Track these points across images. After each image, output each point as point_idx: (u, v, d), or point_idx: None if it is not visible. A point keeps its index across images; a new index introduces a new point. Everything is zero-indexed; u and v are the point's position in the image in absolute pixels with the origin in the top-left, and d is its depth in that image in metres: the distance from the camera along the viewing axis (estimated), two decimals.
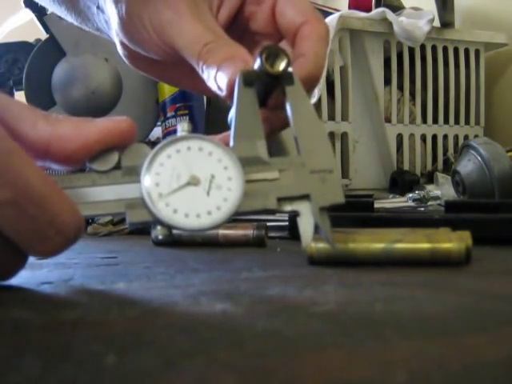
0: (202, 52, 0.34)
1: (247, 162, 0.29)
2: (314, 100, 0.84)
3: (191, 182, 0.28)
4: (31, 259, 0.27)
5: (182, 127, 0.29)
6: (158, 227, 0.27)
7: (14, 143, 0.25)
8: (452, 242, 0.31)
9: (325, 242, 0.31)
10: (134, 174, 0.28)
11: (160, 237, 0.27)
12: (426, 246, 0.31)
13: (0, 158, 0.24)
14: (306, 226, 0.29)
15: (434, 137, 1.00)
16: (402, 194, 0.82)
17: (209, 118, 0.96)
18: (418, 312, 0.21)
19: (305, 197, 0.30)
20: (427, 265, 0.31)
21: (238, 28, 0.39)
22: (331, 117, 0.91)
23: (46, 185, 0.25)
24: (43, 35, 1.04)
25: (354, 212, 0.50)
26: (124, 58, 0.41)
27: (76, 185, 0.27)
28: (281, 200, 0.29)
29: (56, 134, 0.27)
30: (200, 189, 0.28)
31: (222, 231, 0.47)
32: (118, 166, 0.28)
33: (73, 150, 0.27)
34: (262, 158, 0.29)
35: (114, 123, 0.28)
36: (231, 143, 0.30)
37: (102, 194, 0.28)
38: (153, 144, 1.14)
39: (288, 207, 0.29)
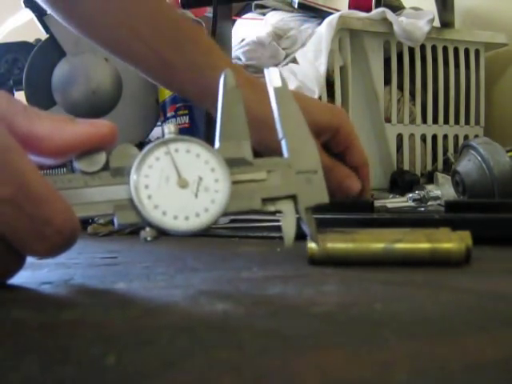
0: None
1: (233, 163, 0.29)
2: None
3: (180, 184, 0.28)
4: (31, 259, 0.27)
5: (169, 129, 0.29)
6: (147, 229, 0.28)
7: (13, 140, 0.25)
8: (452, 241, 0.31)
9: (325, 242, 0.31)
10: (122, 175, 0.28)
11: (148, 238, 0.28)
12: (425, 246, 0.31)
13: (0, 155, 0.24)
14: (288, 225, 0.30)
15: (434, 137, 1.00)
16: (402, 194, 0.82)
17: (209, 117, 0.96)
18: (417, 312, 0.21)
19: (288, 197, 0.30)
20: (427, 265, 0.31)
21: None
22: None
23: (43, 184, 0.25)
24: (43, 35, 1.04)
25: (353, 212, 0.50)
26: None
27: (67, 186, 0.27)
28: (265, 200, 0.30)
29: (33, 132, 0.26)
30: (188, 191, 0.28)
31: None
32: (105, 167, 0.28)
33: (49, 149, 0.27)
34: (247, 158, 0.30)
35: (94, 128, 0.27)
36: (216, 144, 0.30)
37: (92, 196, 0.28)
38: None
39: (271, 207, 0.30)
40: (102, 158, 0.28)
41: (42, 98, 1.01)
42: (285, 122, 0.31)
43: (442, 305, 0.22)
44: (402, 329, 0.18)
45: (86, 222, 0.66)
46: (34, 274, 0.32)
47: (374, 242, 0.31)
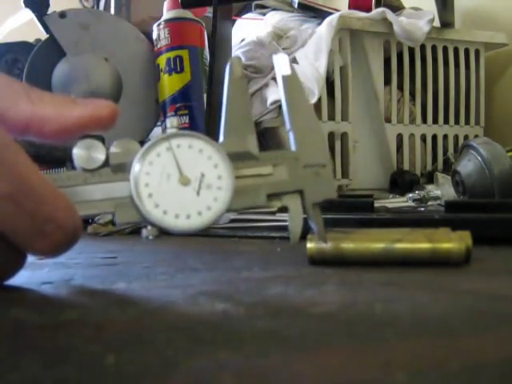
0: None
1: (237, 158, 0.28)
2: (313, 100, 0.84)
3: (181, 181, 0.27)
4: (31, 259, 0.27)
5: (171, 123, 0.28)
6: (149, 227, 0.27)
7: (9, 137, 0.24)
8: (452, 242, 0.31)
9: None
10: (122, 171, 0.27)
11: (150, 237, 0.27)
12: (425, 245, 0.31)
13: None
14: (295, 221, 0.29)
15: (434, 137, 1.00)
16: (402, 194, 0.82)
17: (209, 118, 0.96)
18: (417, 312, 0.21)
19: (295, 192, 0.29)
20: (427, 265, 0.31)
21: None
22: (331, 117, 0.90)
23: (41, 181, 0.25)
24: (43, 35, 1.04)
25: (353, 212, 0.50)
26: None
27: (67, 184, 0.27)
28: (270, 196, 0.29)
29: (36, 116, 0.27)
30: (190, 188, 0.27)
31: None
32: (106, 164, 0.27)
33: (51, 133, 0.27)
34: (253, 152, 0.29)
35: (94, 109, 0.28)
36: (221, 138, 0.29)
37: (93, 193, 0.27)
38: None
39: (278, 203, 0.29)
40: (102, 154, 0.27)
41: None
42: (293, 112, 0.30)
43: (442, 305, 0.22)
44: (402, 329, 0.18)
45: (86, 222, 0.66)
46: (34, 274, 0.32)
47: (374, 241, 0.31)
